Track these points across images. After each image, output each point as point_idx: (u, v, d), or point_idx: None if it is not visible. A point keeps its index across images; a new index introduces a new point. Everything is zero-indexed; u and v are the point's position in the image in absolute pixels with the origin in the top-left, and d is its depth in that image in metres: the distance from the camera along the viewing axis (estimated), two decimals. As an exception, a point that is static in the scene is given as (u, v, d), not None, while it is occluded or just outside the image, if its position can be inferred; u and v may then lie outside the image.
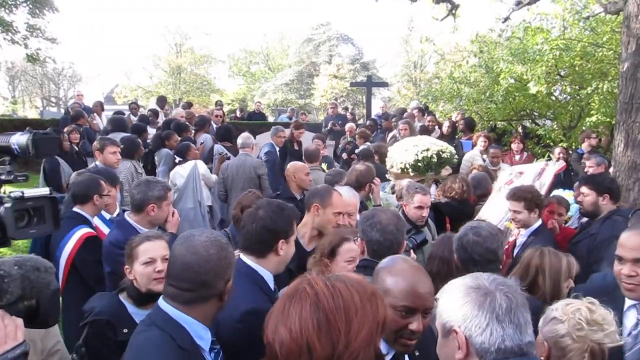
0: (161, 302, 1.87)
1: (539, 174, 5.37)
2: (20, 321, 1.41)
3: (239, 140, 7.09)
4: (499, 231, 3.10)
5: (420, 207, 4.26)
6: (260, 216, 2.41)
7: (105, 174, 4.38)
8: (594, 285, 2.74)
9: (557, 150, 8.02)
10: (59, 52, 53.63)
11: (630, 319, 2.37)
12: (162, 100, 14.18)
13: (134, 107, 13.45)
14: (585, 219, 4.62)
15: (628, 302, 2.38)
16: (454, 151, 6.40)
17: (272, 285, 2.44)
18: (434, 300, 1.90)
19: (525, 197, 4.16)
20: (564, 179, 7.64)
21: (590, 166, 6.38)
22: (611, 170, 6.99)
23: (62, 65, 41.23)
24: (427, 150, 6.02)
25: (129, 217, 3.60)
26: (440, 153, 6.08)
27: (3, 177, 1.78)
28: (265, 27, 76.16)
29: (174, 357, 1.72)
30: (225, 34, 75.61)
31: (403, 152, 6.09)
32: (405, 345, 1.85)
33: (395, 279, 1.86)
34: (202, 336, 1.85)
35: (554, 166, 5.62)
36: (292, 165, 5.74)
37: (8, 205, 1.68)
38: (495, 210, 5.00)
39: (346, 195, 3.78)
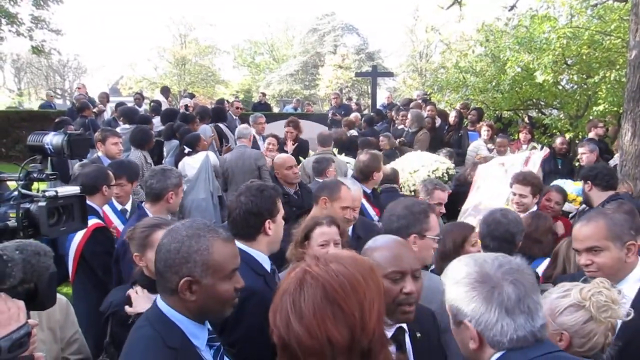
0: (158, 299, 1.82)
1: (525, 162, 5.51)
2: (21, 303, 1.45)
3: (236, 132, 7.10)
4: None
5: (439, 204, 4.34)
6: (243, 201, 2.48)
7: (128, 168, 4.45)
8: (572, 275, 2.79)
9: (558, 140, 7.96)
10: (63, 43, 53.62)
11: None
12: (166, 91, 14.21)
13: (138, 97, 13.47)
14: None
15: None
16: (453, 167, 6.67)
17: (267, 266, 2.48)
18: (419, 262, 1.98)
19: (533, 182, 4.40)
20: (561, 169, 7.64)
21: (583, 153, 6.39)
22: (612, 161, 6.98)
23: (67, 57, 41.26)
24: (437, 169, 6.28)
25: (146, 208, 3.66)
26: (448, 170, 6.36)
27: (35, 175, 1.82)
28: (270, 18, 75.81)
29: (160, 355, 1.67)
30: (229, 25, 75.32)
31: (411, 174, 6.25)
32: (405, 312, 1.88)
33: (380, 252, 1.95)
34: (197, 335, 1.78)
35: (539, 154, 5.81)
36: (277, 160, 5.59)
37: (42, 203, 1.74)
38: (491, 198, 5.12)
39: (353, 190, 3.80)
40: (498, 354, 1.49)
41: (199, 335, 1.79)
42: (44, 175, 1.84)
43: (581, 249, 2.46)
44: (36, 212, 1.71)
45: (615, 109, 8.68)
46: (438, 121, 9.90)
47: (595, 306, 1.89)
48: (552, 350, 1.48)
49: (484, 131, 8.39)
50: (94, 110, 10.97)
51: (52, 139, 1.93)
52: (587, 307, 1.90)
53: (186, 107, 10.61)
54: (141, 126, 7.29)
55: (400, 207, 2.72)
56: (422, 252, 2.53)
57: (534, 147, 7.39)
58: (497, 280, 1.49)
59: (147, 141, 6.64)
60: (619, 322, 1.99)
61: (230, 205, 2.56)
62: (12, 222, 1.70)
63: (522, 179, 4.39)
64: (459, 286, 1.55)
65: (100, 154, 5.65)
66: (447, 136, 9.55)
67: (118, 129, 7.92)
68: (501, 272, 1.51)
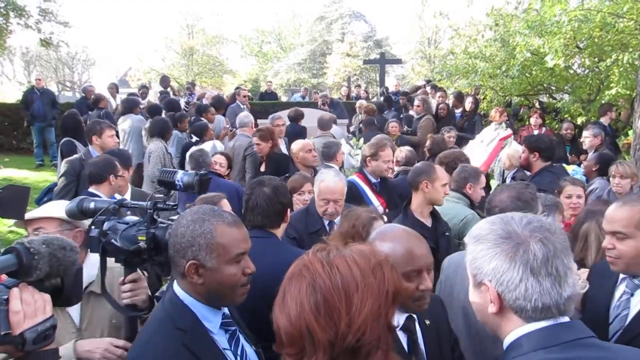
0: (174, 283, 1.86)
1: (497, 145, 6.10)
2: (48, 297, 1.45)
3: (237, 120, 7.13)
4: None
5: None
6: (272, 193, 2.66)
7: (119, 156, 4.42)
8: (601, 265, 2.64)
9: (565, 125, 7.82)
10: (72, 36, 53.82)
11: (620, 290, 2.37)
12: (165, 80, 14.07)
13: (144, 91, 13.46)
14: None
15: (621, 275, 2.37)
16: None
17: None
18: (432, 256, 1.89)
19: (442, 161, 4.61)
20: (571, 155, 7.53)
21: (586, 137, 6.33)
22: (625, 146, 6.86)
23: (76, 49, 41.40)
24: None
25: None
26: None
27: (160, 205, 2.03)
28: (277, 6, 75.37)
29: (167, 336, 1.72)
30: (236, 14, 75.04)
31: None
32: (420, 305, 1.85)
33: (391, 245, 1.84)
34: (210, 318, 1.82)
35: (502, 134, 6.36)
36: (295, 145, 5.54)
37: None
38: None
39: (331, 182, 3.60)
40: (522, 330, 1.34)
41: (211, 318, 1.82)
42: (167, 206, 2.05)
43: (607, 230, 2.29)
44: (163, 237, 1.90)
45: (628, 92, 8.54)
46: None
47: None
48: (583, 336, 1.33)
49: (500, 116, 8.27)
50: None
51: (184, 177, 2.23)
52: None
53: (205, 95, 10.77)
54: (161, 117, 7.55)
55: (507, 198, 2.64)
56: None
57: (503, 128, 7.14)
58: (524, 238, 1.36)
59: (167, 131, 6.83)
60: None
61: (257, 197, 2.68)
62: (142, 244, 1.90)
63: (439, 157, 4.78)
64: (480, 243, 1.42)
65: (91, 148, 5.43)
66: (461, 122, 9.48)
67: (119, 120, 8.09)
68: (529, 229, 1.38)
